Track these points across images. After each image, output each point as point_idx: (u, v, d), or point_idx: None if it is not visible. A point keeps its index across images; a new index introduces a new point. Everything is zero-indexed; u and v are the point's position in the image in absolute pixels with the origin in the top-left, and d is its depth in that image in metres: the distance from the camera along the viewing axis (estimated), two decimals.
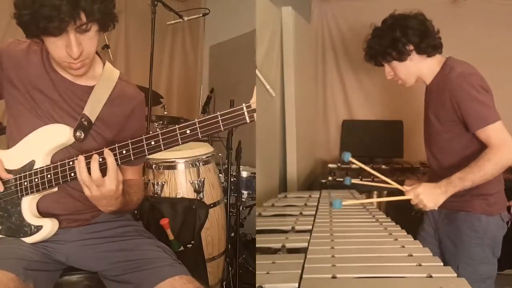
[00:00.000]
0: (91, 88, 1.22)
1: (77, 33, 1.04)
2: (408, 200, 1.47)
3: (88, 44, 1.09)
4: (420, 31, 1.53)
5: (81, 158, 1.08)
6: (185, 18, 2.35)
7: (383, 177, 1.56)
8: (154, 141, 1.05)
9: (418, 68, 1.58)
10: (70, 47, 1.05)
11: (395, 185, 1.53)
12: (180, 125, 1.04)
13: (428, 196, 1.42)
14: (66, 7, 0.98)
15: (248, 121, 0.98)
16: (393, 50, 1.56)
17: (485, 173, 1.38)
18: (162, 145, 1.05)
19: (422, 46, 1.54)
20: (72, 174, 1.12)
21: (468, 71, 1.46)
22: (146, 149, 1.06)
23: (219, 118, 1.00)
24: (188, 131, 1.03)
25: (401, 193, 1.50)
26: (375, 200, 1.70)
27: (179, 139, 1.04)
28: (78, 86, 1.22)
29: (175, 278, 1.10)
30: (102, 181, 1.07)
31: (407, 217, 1.83)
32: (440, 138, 1.57)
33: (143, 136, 1.07)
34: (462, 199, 1.52)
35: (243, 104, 0.98)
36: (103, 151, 1.08)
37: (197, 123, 1.02)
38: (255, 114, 0.98)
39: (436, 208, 1.44)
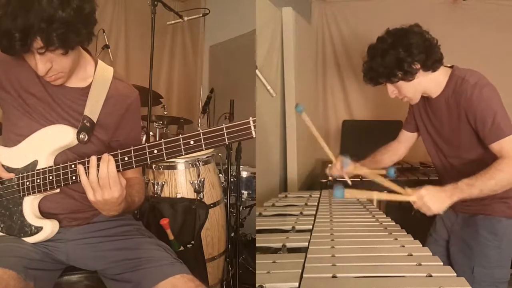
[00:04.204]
0: (83, 89, 1.21)
1: (38, 54, 1.02)
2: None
3: (58, 61, 1.07)
4: (425, 47, 1.45)
5: (93, 158, 1.07)
6: (185, 18, 2.35)
7: (391, 196, 1.48)
8: (157, 149, 1.04)
9: (424, 84, 1.51)
10: (36, 65, 1.05)
11: (404, 198, 1.39)
12: (184, 135, 1.02)
13: (433, 199, 1.30)
14: (19, 35, 0.96)
15: (254, 136, 0.96)
16: (399, 70, 1.46)
17: (496, 183, 1.31)
18: (164, 154, 1.04)
19: (428, 63, 1.46)
20: (74, 177, 1.12)
21: (482, 81, 1.41)
22: (148, 157, 1.05)
23: (225, 131, 0.98)
24: (192, 142, 1.01)
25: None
26: (376, 197, 1.63)
27: (182, 149, 1.02)
28: (69, 88, 1.20)
29: (176, 276, 1.10)
30: (107, 182, 1.06)
31: (407, 217, 1.83)
32: (461, 150, 1.51)
33: (146, 144, 1.06)
34: (482, 203, 1.47)
35: (250, 118, 0.96)
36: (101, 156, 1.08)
37: (201, 134, 1.00)
38: None
39: (441, 213, 1.33)
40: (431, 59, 1.46)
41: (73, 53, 1.09)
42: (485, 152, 1.42)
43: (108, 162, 1.05)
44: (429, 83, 1.51)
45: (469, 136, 1.45)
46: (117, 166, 1.07)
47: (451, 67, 1.52)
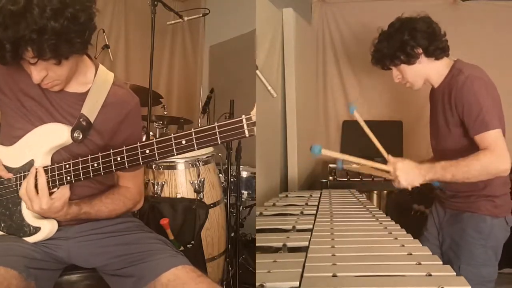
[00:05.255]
0: (82, 94, 1.21)
1: (31, 64, 1.01)
2: (405, 196, 1.46)
3: (54, 69, 1.06)
4: (428, 33, 1.53)
5: (33, 170, 1.12)
6: (185, 18, 2.35)
7: (368, 163, 1.47)
8: (148, 149, 1.03)
9: (426, 71, 1.57)
10: (31, 73, 1.05)
11: (380, 166, 1.45)
12: (176, 135, 1.00)
13: (405, 173, 1.38)
14: (9, 46, 0.95)
15: (247, 135, 0.93)
16: (402, 53, 1.54)
17: (468, 171, 1.36)
18: (156, 154, 1.02)
19: (430, 49, 1.53)
20: (68, 178, 1.12)
21: (476, 74, 1.45)
22: (140, 158, 1.04)
23: (217, 130, 0.95)
24: (183, 142, 0.99)
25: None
26: (351, 159, 1.52)
27: (174, 149, 1.00)
28: (68, 93, 1.20)
29: (178, 267, 1.11)
30: (36, 197, 1.10)
31: (407, 216, 1.84)
32: (448, 140, 1.56)
33: (138, 144, 1.04)
34: (468, 200, 1.51)
35: (243, 116, 0.93)
36: (98, 156, 1.08)
37: (193, 133, 0.98)
38: (255, 128, 0.93)
39: (410, 188, 1.40)
40: (434, 45, 1.53)
41: (69, 61, 1.07)
42: (473, 144, 1.44)
43: (37, 175, 1.10)
44: (431, 71, 1.58)
45: (458, 126, 1.48)
46: (110, 167, 1.08)
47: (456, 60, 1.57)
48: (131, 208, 1.34)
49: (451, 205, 1.60)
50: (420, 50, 1.54)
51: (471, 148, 1.44)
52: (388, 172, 1.42)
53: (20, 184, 1.18)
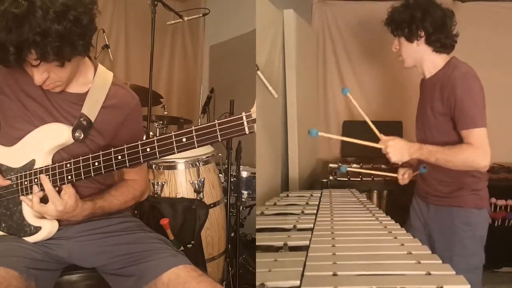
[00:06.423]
0: (82, 95, 1.21)
1: (33, 66, 1.02)
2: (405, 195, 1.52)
3: (55, 71, 1.06)
4: (437, 24, 1.57)
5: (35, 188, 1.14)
6: (185, 18, 2.35)
7: (362, 142, 1.58)
8: (149, 147, 1.03)
9: (421, 56, 1.63)
10: (33, 75, 1.05)
11: (372, 144, 1.57)
12: (176, 132, 1.00)
13: (395, 150, 1.50)
14: (13, 49, 0.95)
15: (247, 132, 0.93)
16: (406, 27, 1.60)
17: (451, 160, 1.46)
18: (157, 152, 1.03)
19: (432, 38, 1.58)
20: (69, 177, 1.12)
21: (472, 72, 1.52)
22: (141, 156, 1.05)
23: (217, 127, 0.96)
24: (184, 139, 0.99)
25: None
26: (346, 139, 1.76)
27: (175, 147, 1.00)
28: (68, 94, 1.20)
29: (179, 267, 1.12)
30: (46, 208, 1.11)
31: (407, 216, 1.85)
32: (434, 130, 1.62)
33: (139, 142, 1.05)
34: (455, 195, 1.59)
35: (243, 113, 0.93)
36: (99, 155, 1.09)
37: (193, 131, 0.98)
38: (255, 125, 0.93)
39: (399, 163, 1.54)
40: (436, 37, 1.58)
41: (71, 63, 1.07)
42: (459, 138, 1.51)
43: (43, 182, 1.11)
44: (427, 59, 1.63)
45: (446, 120, 1.54)
46: (111, 165, 1.08)
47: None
48: (139, 198, 1.37)
49: (436, 200, 1.66)
50: (423, 33, 1.58)
51: (457, 142, 1.51)
52: (380, 149, 1.53)
53: (21, 183, 1.18)
